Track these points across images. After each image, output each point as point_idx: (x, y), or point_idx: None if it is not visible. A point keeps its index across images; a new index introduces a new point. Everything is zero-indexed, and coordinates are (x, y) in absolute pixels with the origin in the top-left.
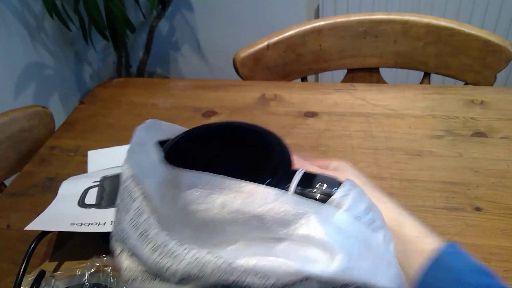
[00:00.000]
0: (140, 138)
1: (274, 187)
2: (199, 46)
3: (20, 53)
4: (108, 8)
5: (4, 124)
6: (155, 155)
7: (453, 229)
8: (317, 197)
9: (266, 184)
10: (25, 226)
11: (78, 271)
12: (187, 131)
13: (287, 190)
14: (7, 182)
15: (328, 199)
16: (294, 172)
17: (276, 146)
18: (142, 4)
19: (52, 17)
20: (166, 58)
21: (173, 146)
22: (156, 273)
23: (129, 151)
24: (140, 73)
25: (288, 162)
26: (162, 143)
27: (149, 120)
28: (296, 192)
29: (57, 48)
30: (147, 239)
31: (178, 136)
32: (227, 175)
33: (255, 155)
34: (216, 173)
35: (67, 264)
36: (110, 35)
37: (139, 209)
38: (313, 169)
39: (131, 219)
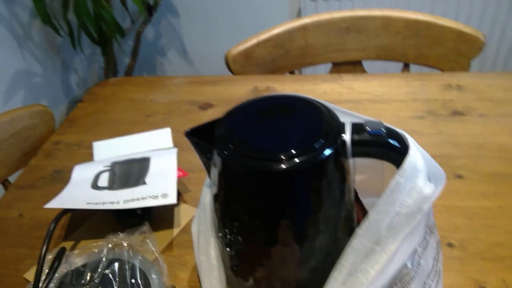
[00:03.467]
0: None
1: (328, 147)
2: (185, 51)
3: (8, 61)
4: (97, 14)
5: (8, 122)
6: None
7: None
8: (369, 139)
9: (320, 146)
10: (37, 215)
11: (95, 249)
12: (242, 105)
13: (344, 141)
14: (11, 179)
15: (378, 138)
16: (344, 124)
17: (325, 112)
18: (130, 10)
19: (45, 23)
20: (152, 63)
21: (230, 120)
22: None
23: None
24: None
25: (338, 125)
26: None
27: None
28: (352, 141)
29: (44, 56)
30: None
31: (231, 110)
32: (284, 140)
33: (308, 121)
34: (275, 139)
35: (83, 243)
36: (99, 40)
37: None
38: None
39: None
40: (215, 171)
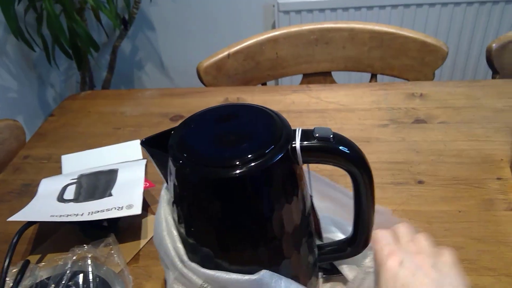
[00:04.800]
0: None
1: (278, 153)
2: (162, 64)
3: None
4: (71, 28)
5: None
6: None
7: (399, 200)
8: (318, 145)
9: (269, 151)
10: (4, 229)
11: (60, 261)
12: (197, 114)
13: (294, 147)
14: None
15: (326, 144)
16: (295, 131)
17: (276, 120)
18: (105, 24)
19: (17, 38)
20: (130, 77)
21: (185, 129)
22: None
23: None
24: None
25: (288, 132)
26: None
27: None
28: (301, 146)
29: (20, 71)
30: None
31: (186, 119)
32: (236, 148)
33: (259, 129)
34: (227, 147)
35: (49, 256)
36: (74, 55)
37: None
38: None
39: None
40: (170, 179)
